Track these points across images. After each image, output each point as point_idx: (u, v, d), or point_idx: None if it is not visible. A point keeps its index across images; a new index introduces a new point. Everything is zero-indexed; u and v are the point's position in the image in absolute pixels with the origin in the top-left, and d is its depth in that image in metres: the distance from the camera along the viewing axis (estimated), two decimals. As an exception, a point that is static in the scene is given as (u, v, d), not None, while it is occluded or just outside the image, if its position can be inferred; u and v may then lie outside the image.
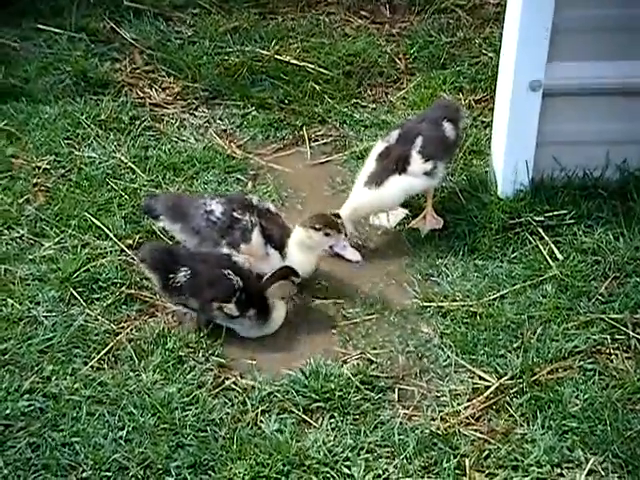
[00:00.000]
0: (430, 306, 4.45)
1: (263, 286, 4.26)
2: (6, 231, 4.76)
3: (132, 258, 4.56)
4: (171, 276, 4.22)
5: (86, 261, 4.55)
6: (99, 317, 4.32)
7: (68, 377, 4.03)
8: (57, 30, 6.12)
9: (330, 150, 5.42)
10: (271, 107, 5.65)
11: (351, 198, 4.74)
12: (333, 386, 4.02)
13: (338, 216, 4.61)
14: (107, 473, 3.69)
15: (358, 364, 4.16)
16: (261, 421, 3.91)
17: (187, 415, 3.89)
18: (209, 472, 3.71)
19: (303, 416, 3.94)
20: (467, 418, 3.94)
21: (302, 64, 5.93)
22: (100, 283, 4.47)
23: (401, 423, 3.91)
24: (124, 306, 4.40)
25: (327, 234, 4.39)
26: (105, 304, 4.39)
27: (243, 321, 4.26)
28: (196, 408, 3.93)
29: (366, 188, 4.68)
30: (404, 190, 4.71)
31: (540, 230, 4.78)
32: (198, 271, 4.24)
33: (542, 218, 4.81)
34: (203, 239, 4.43)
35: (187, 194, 4.83)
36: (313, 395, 3.99)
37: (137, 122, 5.49)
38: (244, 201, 4.49)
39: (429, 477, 3.73)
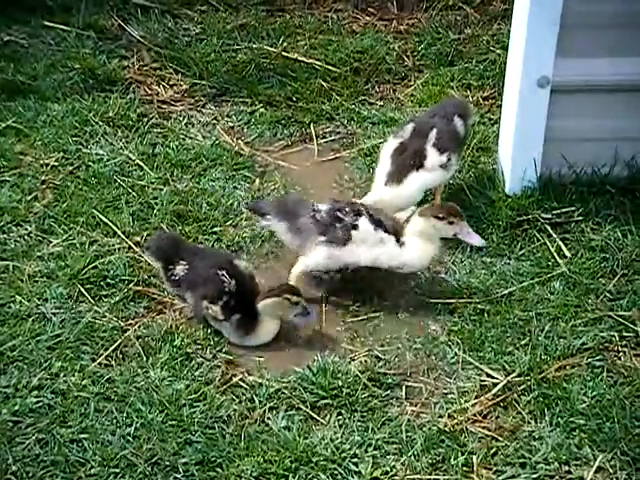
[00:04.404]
0: (437, 303, 4.44)
1: (256, 299, 4.20)
2: (14, 228, 4.77)
3: (140, 255, 4.57)
4: (171, 267, 4.25)
5: (94, 258, 4.56)
6: (107, 314, 4.32)
7: (76, 374, 4.04)
8: (65, 27, 6.13)
9: (338, 147, 5.42)
10: (279, 104, 5.65)
11: (371, 196, 4.69)
12: (341, 383, 4.02)
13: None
14: (115, 469, 3.70)
15: (366, 361, 4.16)
16: (268, 418, 3.91)
17: (195, 412, 3.90)
18: (217, 469, 3.71)
19: (311, 413, 3.94)
20: (475, 415, 3.94)
21: (310, 61, 5.93)
22: (108, 280, 4.48)
23: (409, 420, 3.91)
24: (132, 303, 4.40)
25: (451, 222, 4.37)
26: (113, 301, 4.39)
27: (226, 324, 4.21)
28: (204, 405, 3.93)
29: (387, 187, 4.66)
30: (423, 186, 4.70)
31: (548, 227, 4.77)
32: (196, 267, 4.24)
33: (550, 215, 4.80)
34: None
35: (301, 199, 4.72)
36: (321, 392, 3.99)
37: (145, 119, 5.49)
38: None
39: (437, 474, 3.73)
